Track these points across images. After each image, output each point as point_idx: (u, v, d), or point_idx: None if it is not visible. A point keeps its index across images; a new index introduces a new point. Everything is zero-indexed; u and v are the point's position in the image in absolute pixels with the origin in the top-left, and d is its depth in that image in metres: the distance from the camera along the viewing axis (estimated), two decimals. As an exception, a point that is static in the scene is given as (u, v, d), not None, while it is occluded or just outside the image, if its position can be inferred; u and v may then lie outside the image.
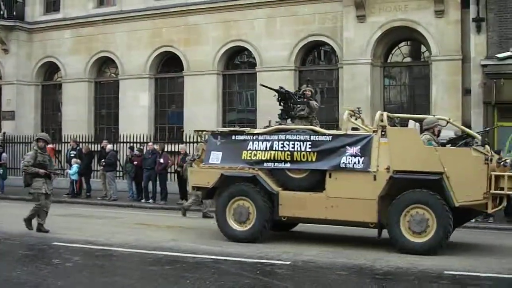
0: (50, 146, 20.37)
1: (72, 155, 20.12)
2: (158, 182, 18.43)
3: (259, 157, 10.79)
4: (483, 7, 16.96)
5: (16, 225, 12.15)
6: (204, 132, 12.64)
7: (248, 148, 10.93)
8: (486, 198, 9.55)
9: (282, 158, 10.58)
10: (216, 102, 21.66)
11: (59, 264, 8.50)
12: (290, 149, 10.53)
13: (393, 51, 19.86)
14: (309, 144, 10.45)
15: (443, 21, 17.95)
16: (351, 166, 10.11)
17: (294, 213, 10.64)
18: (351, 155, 10.13)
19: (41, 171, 11.63)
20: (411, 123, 11.34)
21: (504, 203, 10.29)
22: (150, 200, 18.42)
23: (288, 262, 8.88)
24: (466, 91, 17.63)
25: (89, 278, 7.72)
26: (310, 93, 12.29)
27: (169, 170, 18.98)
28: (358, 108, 11.71)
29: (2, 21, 25.27)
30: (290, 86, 20.25)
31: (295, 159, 10.49)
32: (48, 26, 25.48)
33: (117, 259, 9.27)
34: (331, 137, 10.52)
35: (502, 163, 10.03)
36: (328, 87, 20.96)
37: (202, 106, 21.58)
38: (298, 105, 11.77)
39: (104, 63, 24.87)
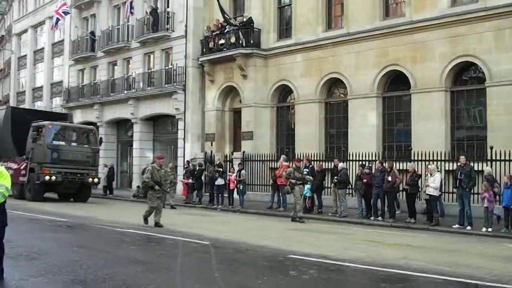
0: (285, 163, 21.91)
1: (305, 172, 21.24)
2: (386, 200, 18.59)
3: None
4: None
5: (254, 238, 13.48)
6: None
7: None
8: None
9: None
10: (444, 119, 21.29)
11: (296, 276, 9.04)
12: None
13: None
14: None
15: None
16: None
17: None
18: None
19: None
20: None
21: None
22: (379, 218, 18.58)
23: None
24: None
25: (324, 291, 8.27)
26: None
27: (397, 188, 18.93)
28: None
29: (242, 49, 27.65)
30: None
31: None
32: (282, 52, 27.32)
33: (350, 275, 9.62)
34: None
35: None
36: None
37: (429, 124, 21.40)
38: None
39: (333, 84, 25.84)
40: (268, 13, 28.22)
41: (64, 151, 25.09)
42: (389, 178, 18.20)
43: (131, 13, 33.71)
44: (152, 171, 15.88)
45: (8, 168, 25.50)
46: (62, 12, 37.77)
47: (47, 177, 24.25)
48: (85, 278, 8.29)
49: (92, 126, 29.32)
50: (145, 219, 15.87)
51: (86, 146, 26.23)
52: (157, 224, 15.47)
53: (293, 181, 18.33)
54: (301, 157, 23.30)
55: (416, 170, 18.69)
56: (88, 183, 25.88)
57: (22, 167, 25.81)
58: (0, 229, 8.29)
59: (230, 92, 29.94)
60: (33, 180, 24.87)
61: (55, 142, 25.05)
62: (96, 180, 26.22)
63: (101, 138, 27.72)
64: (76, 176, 25.17)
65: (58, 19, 38.25)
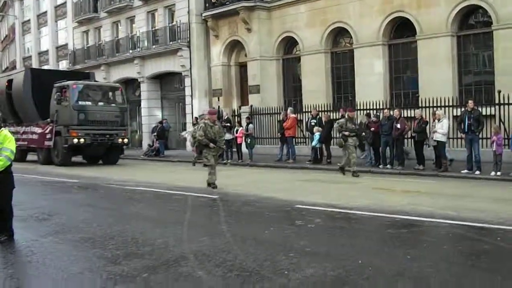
0: (293, 116, 21.87)
1: (313, 123, 21.25)
2: (395, 148, 18.55)
3: None
4: None
5: (262, 190, 13.64)
6: None
7: None
8: None
9: None
10: (451, 65, 21.07)
11: (302, 225, 9.12)
12: None
13: None
14: None
15: None
16: None
17: None
18: None
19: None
20: None
21: None
22: (388, 166, 18.56)
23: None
24: None
25: (329, 239, 8.24)
26: None
27: (406, 135, 18.84)
28: None
29: (245, 2, 27.35)
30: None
31: None
32: (285, 3, 26.98)
33: (356, 222, 9.68)
34: None
35: None
36: None
37: (437, 70, 21.20)
38: None
39: (339, 34, 25.57)
40: (269, -36, 27.79)
41: (91, 112, 23.93)
42: (398, 126, 18.14)
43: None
44: (205, 128, 14.16)
45: (32, 133, 25.58)
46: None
47: (75, 140, 23.26)
48: (93, 236, 8.42)
49: (118, 84, 28.05)
50: (212, 183, 14.32)
51: (113, 105, 24.98)
52: (210, 185, 14.25)
53: (346, 133, 17.01)
54: (309, 109, 23.36)
55: (424, 116, 18.60)
56: (118, 144, 24.92)
57: (47, 131, 24.65)
58: (8, 191, 8.41)
59: (235, 46, 29.74)
60: (60, 144, 23.80)
61: (81, 103, 23.79)
62: (126, 140, 25.23)
63: (127, 97, 26.29)
64: (105, 137, 24.14)
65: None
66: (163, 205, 12.08)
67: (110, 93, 25.43)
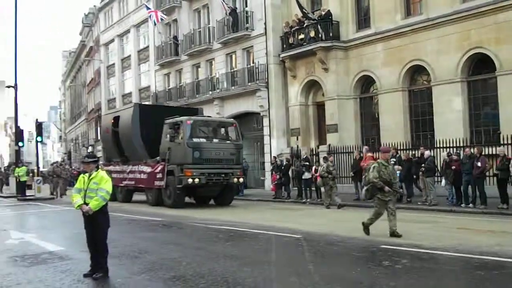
0: (370, 154, 21.87)
1: (393, 162, 21.09)
2: (477, 186, 18.15)
3: None
4: None
5: (344, 229, 13.69)
6: None
7: None
8: None
9: None
10: (533, 100, 20.58)
11: (389, 266, 9.15)
12: None
13: None
14: None
15: None
16: None
17: None
18: None
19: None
20: None
21: None
22: (470, 205, 18.23)
23: None
24: None
25: (418, 280, 8.22)
26: None
27: (487, 173, 18.39)
28: None
29: (321, 43, 27.73)
30: None
31: None
32: (362, 42, 27.21)
33: (443, 263, 9.55)
34: None
35: None
36: None
37: (519, 106, 20.75)
38: None
39: (416, 72, 25.47)
40: (345, 5, 28.17)
41: (206, 149, 22.18)
42: (479, 164, 17.78)
43: (229, 7, 33.93)
44: (379, 169, 12.41)
45: (140, 172, 24.68)
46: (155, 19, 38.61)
47: (189, 180, 21.61)
48: (184, 274, 8.74)
49: (233, 120, 26.49)
50: (366, 228, 12.77)
51: (228, 142, 23.41)
52: (393, 234, 12.34)
53: None
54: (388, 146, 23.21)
55: (507, 154, 18.20)
56: (232, 184, 23.55)
57: (157, 170, 23.25)
58: (103, 230, 8.91)
59: (312, 86, 30.11)
60: (173, 184, 22.29)
61: (195, 140, 22.17)
62: (241, 180, 23.80)
63: (241, 133, 24.93)
64: (220, 176, 22.47)
65: (161, 19, 38.92)
66: (248, 244, 12.32)
67: (224, 129, 24.09)
